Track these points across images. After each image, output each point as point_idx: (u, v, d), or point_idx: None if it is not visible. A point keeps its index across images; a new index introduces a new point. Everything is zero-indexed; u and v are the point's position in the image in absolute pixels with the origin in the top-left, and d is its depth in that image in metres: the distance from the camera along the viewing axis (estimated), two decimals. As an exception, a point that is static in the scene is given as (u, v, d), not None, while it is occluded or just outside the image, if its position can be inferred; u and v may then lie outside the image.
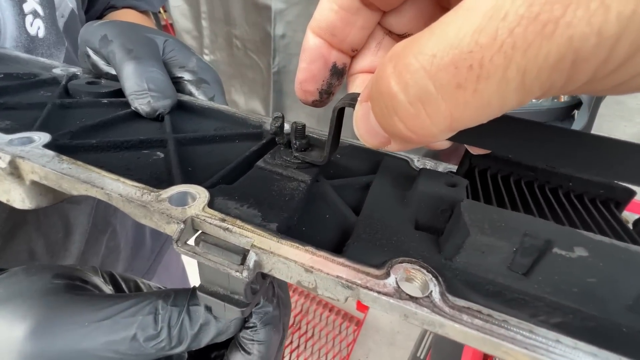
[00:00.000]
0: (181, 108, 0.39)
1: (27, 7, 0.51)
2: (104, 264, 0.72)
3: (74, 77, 0.43)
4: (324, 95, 0.26)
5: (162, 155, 0.30)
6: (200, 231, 0.21)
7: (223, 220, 0.21)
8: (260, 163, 0.27)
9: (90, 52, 0.40)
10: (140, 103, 0.34)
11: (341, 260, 0.19)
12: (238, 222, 0.21)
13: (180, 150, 0.30)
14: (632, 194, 0.25)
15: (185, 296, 0.26)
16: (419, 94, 0.14)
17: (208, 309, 0.25)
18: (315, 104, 0.27)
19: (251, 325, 0.27)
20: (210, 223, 0.21)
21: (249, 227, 0.21)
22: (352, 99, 0.22)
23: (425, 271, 0.19)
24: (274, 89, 0.79)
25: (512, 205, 0.23)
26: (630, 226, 0.24)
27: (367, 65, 0.26)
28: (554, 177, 0.25)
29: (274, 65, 0.74)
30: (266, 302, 0.28)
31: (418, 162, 0.31)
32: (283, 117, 0.28)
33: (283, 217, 0.22)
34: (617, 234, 0.21)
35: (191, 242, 0.21)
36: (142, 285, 0.40)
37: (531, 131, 0.18)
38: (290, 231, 0.23)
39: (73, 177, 0.23)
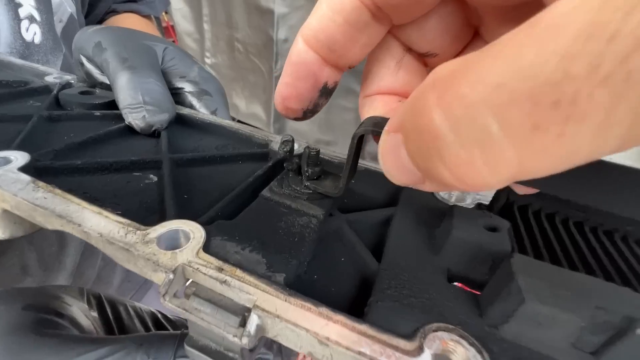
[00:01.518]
0: (180, 122, 0.36)
1: (22, 12, 0.48)
2: (100, 277, 0.69)
3: (67, 85, 0.40)
4: (308, 115, 0.23)
5: (155, 178, 0.26)
6: (191, 280, 0.18)
7: (220, 270, 0.17)
8: (265, 193, 0.24)
9: (84, 60, 0.37)
10: (135, 118, 0.31)
11: (363, 327, 0.15)
12: (238, 272, 0.17)
13: (176, 173, 0.27)
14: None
15: (171, 344, 0.23)
16: (475, 135, 0.10)
17: None
18: (297, 119, 0.23)
19: None
20: (204, 273, 0.17)
21: (250, 279, 0.17)
22: (376, 125, 0.19)
23: (466, 343, 0.15)
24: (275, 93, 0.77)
25: (564, 254, 0.19)
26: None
27: (386, 87, 0.22)
28: (609, 218, 0.22)
29: (276, 69, 0.72)
30: (265, 350, 0.24)
31: (444, 193, 0.27)
32: (293, 141, 0.24)
33: (292, 264, 0.19)
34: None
35: (181, 293, 0.18)
36: (132, 312, 0.36)
37: (595, 171, 0.15)
38: (300, 281, 0.19)
39: (47, 209, 0.20)
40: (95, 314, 0.31)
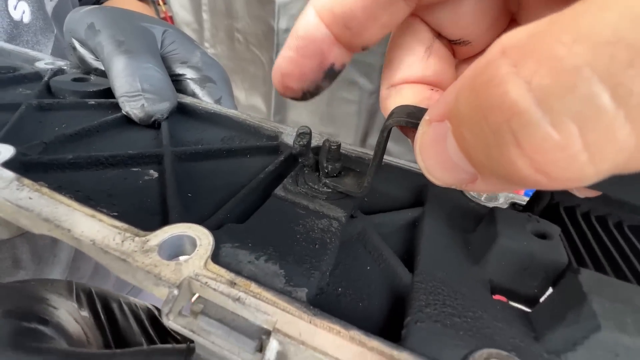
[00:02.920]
0: (182, 112, 0.33)
1: (10, -11, 0.45)
2: (96, 270, 0.67)
3: (59, 72, 0.37)
4: (308, 96, 0.20)
5: (155, 175, 0.24)
6: (197, 295, 0.16)
7: (232, 284, 0.15)
8: (279, 191, 0.21)
9: (76, 44, 0.34)
10: (133, 107, 0.28)
11: (404, 356, 0.13)
12: (253, 286, 0.15)
13: (178, 168, 0.24)
14: None
15: None
16: (575, 108, 0.08)
17: None
18: (294, 99, 0.21)
19: None
20: (214, 289, 0.15)
21: (268, 295, 0.15)
22: (410, 115, 0.16)
23: (524, 375, 0.13)
24: None
25: (627, 265, 0.17)
26: None
27: (416, 75, 0.20)
28: (671, 223, 0.19)
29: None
30: None
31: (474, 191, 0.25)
32: (310, 134, 0.22)
33: (314, 276, 0.16)
34: None
35: (187, 310, 0.15)
36: (126, 310, 0.34)
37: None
38: (323, 296, 0.17)
39: (33, 212, 0.17)
40: (85, 313, 0.29)
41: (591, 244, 0.18)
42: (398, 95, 0.20)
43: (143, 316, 0.35)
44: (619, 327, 0.12)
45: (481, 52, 0.20)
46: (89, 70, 0.36)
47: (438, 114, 0.13)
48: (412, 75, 0.20)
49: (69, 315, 0.26)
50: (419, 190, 0.25)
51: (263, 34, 0.68)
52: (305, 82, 0.19)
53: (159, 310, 0.37)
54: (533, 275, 0.16)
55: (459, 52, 0.20)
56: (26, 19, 0.47)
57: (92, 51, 0.33)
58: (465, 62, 0.21)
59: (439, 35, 0.20)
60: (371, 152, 0.28)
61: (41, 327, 0.22)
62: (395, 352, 0.13)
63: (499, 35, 0.20)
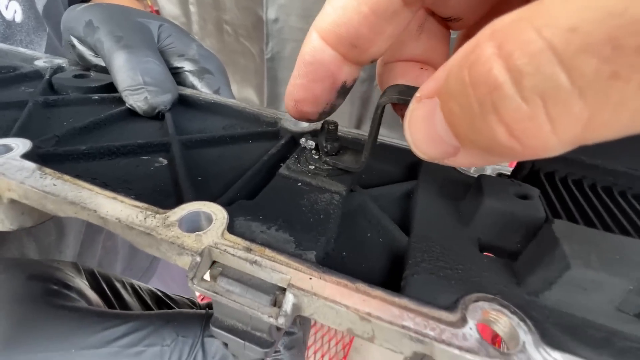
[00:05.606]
0: (183, 103, 0.34)
1: (0, -10, 0.45)
2: (101, 265, 0.69)
3: (59, 69, 0.38)
4: (323, 116, 0.21)
5: (165, 161, 0.25)
6: (214, 261, 0.17)
7: (249, 250, 0.17)
8: (283, 170, 0.23)
9: (75, 42, 0.35)
10: (136, 100, 0.30)
11: (404, 301, 0.15)
12: (267, 251, 0.17)
13: (186, 155, 0.26)
14: None
15: (198, 323, 0.22)
16: (540, 86, 0.10)
17: (224, 343, 0.22)
18: (310, 121, 0.22)
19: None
20: (233, 255, 0.16)
21: (282, 258, 0.16)
22: (401, 93, 0.18)
23: (508, 312, 0.15)
24: (267, 76, 0.73)
25: (598, 219, 0.19)
26: None
27: (408, 53, 0.21)
28: (638, 181, 0.21)
29: (267, 51, 0.69)
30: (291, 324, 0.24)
31: (463, 163, 0.26)
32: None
33: (320, 241, 0.18)
34: None
35: (207, 276, 0.17)
36: (129, 290, 0.35)
37: None
38: (330, 259, 0.19)
39: (59, 196, 0.19)
40: (94, 294, 0.30)
41: (567, 203, 0.20)
42: (390, 73, 0.21)
43: (146, 296, 0.36)
44: (585, 264, 0.14)
45: (474, 25, 0.22)
46: (88, 66, 0.37)
47: (429, 91, 0.14)
48: (405, 53, 0.21)
49: (86, 285, 0.27)
50: (412, 166, 0.27)
51: (252, 25, 0.68)
52: (320, 104, 0.20)
53: (160, 291, 0.38)
54: (515, 232, 0.18)
55: (454, 27, 0.22)
56: (18, 18, 0.48)
57: (92, 48, 0.34)
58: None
59: (432, 13, 0.21)
60: (366, 134, 0.30)
61: (65, 291, 0.24)
62: (396, 299, 0.15)
63: (489, 9, 0.21)
